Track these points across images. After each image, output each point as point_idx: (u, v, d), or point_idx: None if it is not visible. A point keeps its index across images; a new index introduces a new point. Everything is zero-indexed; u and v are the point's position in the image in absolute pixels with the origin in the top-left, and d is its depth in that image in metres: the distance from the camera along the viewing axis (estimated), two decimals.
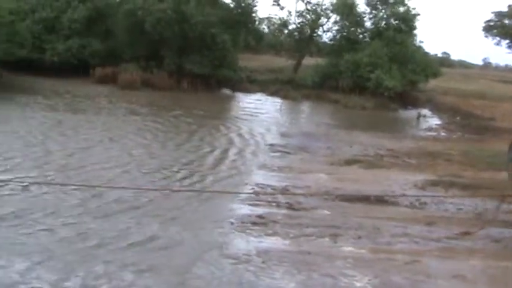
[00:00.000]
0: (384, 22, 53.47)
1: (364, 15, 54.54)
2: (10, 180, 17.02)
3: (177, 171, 20.34)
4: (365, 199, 17.54)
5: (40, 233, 13.16)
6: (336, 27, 55.44)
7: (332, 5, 55.38)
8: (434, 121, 42.56)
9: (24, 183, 16.50)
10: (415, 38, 54.45)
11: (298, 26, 57.95)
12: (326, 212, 16.40)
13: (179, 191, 17.40)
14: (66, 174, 18.53)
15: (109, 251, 12.44)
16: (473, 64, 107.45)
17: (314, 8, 56.78)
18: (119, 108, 35.64)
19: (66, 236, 13.09)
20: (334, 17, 55.92)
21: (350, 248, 13.51)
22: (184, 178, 19.56)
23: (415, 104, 48.88)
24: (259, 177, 20.33)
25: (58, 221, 13.97)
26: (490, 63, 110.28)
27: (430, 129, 38.43)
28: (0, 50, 39.21)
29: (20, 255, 11.78)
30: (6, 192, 15.91)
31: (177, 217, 15.13)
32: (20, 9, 45.78)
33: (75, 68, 46.47)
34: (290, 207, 16.59)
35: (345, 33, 54.16)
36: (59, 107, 34.53)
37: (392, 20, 52.81)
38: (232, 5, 52.61)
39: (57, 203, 15.29)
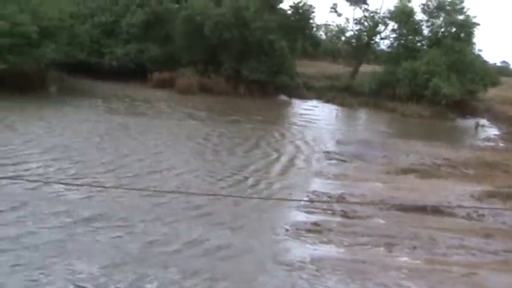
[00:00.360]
0: (442, 30, 52.87)
1: (422, 23, 53.99)
2: (88, 184, 17.43)
3: (237, 178, 20.40)
4: (421, 209, 17.38)
5: (115, 237, 13.37)
6: (394, 35, 55.00)
7: (390, 12, 54.92)
8: (493, 131, 41.99)
9: (98, 188, 16.84)
10: (474, 46, 53.77)
11: (356, 33, 57.71)
12: (381, 221, 16.32)
13: (241, 197, 17.41)
14: (139, 179, 18.75)
15: (182, 258, 12.55)
16: None
17: (372, 15, 56.47)
18: (178, 113, 35.98)
19: (140, 241, 13.26)
20: (391, 25, 55.48)
21: (405, 258, 13.43)
22: (242, 184, 19.63)
23: (473, 113, 48.15)
24: (315, 184, 20.31)
25: (131, 226, 14.15)
26: None
27: (488, 139, 37.92)
28: (62, 52, 39.80)
29: (96, 258, 11.99)
30: (81, 197, 16.22)
31: (238, 224, 15.21)
32: (80, 13, 46.57)
33: (133, 72, 46.97)
34: (345, 215, 16.55)
35: (402, 41, 53.67)
36: (120, 110, 35.12)
37: (450, 28, 52.19)
38: (290, 12, 52.57)
39: (131, 208, 15.53)
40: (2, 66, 35.33)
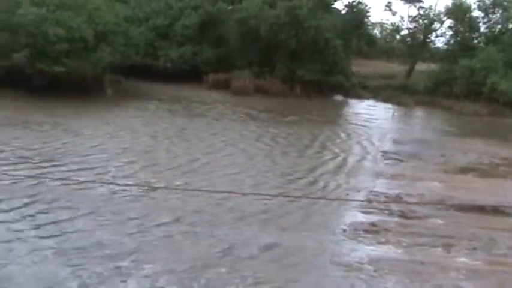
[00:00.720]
0: (499, 26, 52.06)
1: (479, 19, 53.19)
2: (164, 187, 17.76)
3: (298, 178, 20.57)
4: (480, 209, 17.21)
5: (166, 237, 13.59)
6: (450, 32, 54.31)
7: (446, 9, 54.25)
8: None
9: (173, 191, 17.25)
10: None
11: (411, 31, 57.13)
12: (439, 221, 16.22)
13: (298, 197, 17.47)
14: (209, 181, 19.03)
15: (234, 260, 12.66)
16: None
17: (427, 12, 55.83)
18: (238, 114, 36.19)
19: (193, 242, 13.45)
20: (447, 22, 54.79)
21: (464, 259, 13.32)
22: (302, 184, 19.74)
23: None
24: (372, 184, 20.27)
25: (184, 226, 14.34)
26: None
27: None
28: (118, 55, 40.36)
29: (148, 258, 12.17)
30: (155, 199, 16.58)
31: (294, 223, 15.27)
32: (135, 16, 47.19)
33: (188, 74, 47.30)
34: (403, 215, 16.49)
35: (458, 38, 52.96)
36: (180, 112, 35.52)
37: (507, 24, 51.34)
38: (344, 10, 52.41)
39: (183, 208, 15.76)
40: (60, 70, 36.00)
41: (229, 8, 51.69)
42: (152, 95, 41.09)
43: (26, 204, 15.07)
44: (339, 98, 48.22)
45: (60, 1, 38.30)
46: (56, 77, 36.73)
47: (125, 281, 11.34)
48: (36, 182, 17.28)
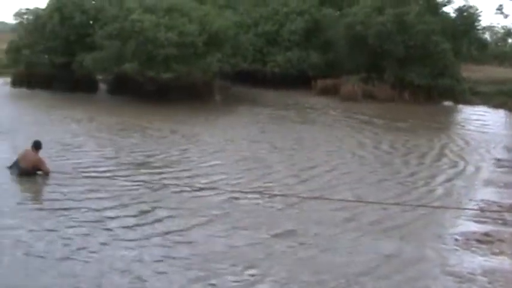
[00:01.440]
0: None
1: None
2: (282, 194, 17.77)
3: (419, 187, 20.10)
4: None
5: (288, 247, 13.33)
6: None
7: None
8: None
9: (292, 199, 17.29)
10: None
11: None
12: None
13: (406, 205, 17.07)
14: (326, 191, 18.65)
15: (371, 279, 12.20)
16: None
17: None
18: (350, 120, 35.85)
19: (314, 253, 13.17)
20: None
21: None
22: (421, 192, 19.27)
23: None
24: (485, 193, 19.64)
25: (303, 237, 14.08)
26: None
27: None
28: (227, 61, 40.81)
29: (271, 268, 12.11)
30: (274, 208, 16.48)
31: (408, 233, 14.94)
32: (243, 22, 47.66)
33: (294, 80, 47.45)
34: None
35: None
36: (292, 118, 35.51)
37: None
38: (454, 15, 51.33)
39: (303, 217, 15.59)
40: (169, 75, 36.69)
41: (336, 13, 51.54)
42: (262, 101, 41.33)
43: (148, 211, 15.21)
44: (448, 103, 47.29)
45: (169, 7, 39.07)
46: (166, 83, 37.48)
47: None
48: (161, 187, 17.66)
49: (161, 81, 37.55)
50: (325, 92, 45.74)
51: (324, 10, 51.11)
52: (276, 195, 17.45)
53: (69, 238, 12.91)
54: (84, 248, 12.37)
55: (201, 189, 17.61)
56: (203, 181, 18.82)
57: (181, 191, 17.37)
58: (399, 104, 43.69)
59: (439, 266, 12.73)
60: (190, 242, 13.14)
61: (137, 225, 14.10)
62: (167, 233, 13.63)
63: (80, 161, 20.99)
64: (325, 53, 49.77)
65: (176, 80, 37.47)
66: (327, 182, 20.02)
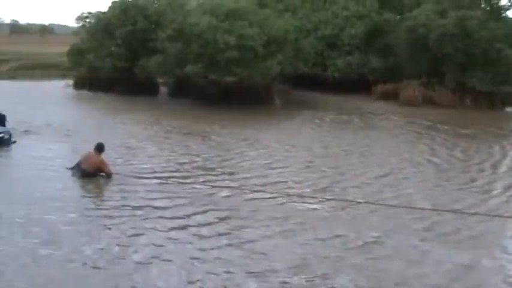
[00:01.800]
0: None
1: None
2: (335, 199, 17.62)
3: (494, 196, 19.59)
4: None
5: (370, 258, 13.06)
6: None
7: None
8: None
9: (346, 203, 17.15)
10: None
11: None
12: None
13: (463, 213, 16.70)
14: (379, 195, 18.55)
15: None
16: None
17: None
18: (412, 125, 35.35)
19: (396, 263, 12.96)
20: None
21: None
22: (497, 202, 18.77)
23: None
24: None
25: (381, 246, 13.88)
26: None
27: None
28: (287, 65, 40.66)
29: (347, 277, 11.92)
30: (329, 212, 16.40)
31: (470, 241, 14.63)
32: (303, 27, 47.45)
33: (354, 84, 47.10)
34: None
35: None
36: (355, 123, 35.34)
37: None
38: None
39: (380, 225, 15.38)
40: (230, 79, 36.69)
41: (397, 17, 51.01)
42: (322, 105, 41.17)
43: (223, 218, 15.20)
44: (511, 110, 46.36)
45: (229, 10, 39.06)
46: (226, 86, 37.49)
47: None
48: (237, 193, 17.72)
49: (222, 85, 37.53)
50: (385, 96, 45.26)
51: (384, 14, 50.56)
52: (359, 203, 17.27)
53: (137, 244, 13.06)
54: (156, 257, 12.38)
55: (274, 197, 17.49)
56: (277, 187, 18.73)
57: (254, 198, 17.35)
58: (460, 110, 42.91)
59: (500, 275, 12.45)
60: (264, 253, 12.93)
61: (213, 233, 14.03)
62: (243, 242, 13.52)
63: (144, 165, 21.13)
64: (385, 57, 49.24)
65: (237, 83, 37.41)
66: (402, 189, 19.64)
